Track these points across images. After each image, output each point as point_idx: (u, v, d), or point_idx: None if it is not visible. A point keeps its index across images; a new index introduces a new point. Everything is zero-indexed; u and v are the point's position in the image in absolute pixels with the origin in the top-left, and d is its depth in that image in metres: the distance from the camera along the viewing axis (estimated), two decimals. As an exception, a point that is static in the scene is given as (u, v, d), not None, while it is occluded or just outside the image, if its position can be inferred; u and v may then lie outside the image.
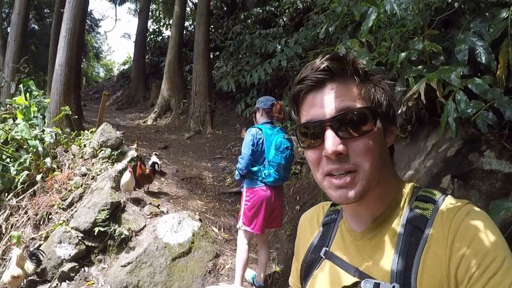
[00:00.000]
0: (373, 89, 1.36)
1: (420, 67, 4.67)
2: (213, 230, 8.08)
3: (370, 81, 1.37)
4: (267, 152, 5.87)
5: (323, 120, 1.31)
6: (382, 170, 1.33)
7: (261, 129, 5.98)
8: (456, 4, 4.36)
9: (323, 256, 1.55)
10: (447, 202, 1.29)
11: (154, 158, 10.05)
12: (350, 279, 1.37)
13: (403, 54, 4.67)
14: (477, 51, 3.95)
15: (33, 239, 7.20)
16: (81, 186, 7.91)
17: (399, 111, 4.85)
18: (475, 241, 1.14)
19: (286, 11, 16.78)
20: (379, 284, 1.25)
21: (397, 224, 1.33)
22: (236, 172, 6.17)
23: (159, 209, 7.99)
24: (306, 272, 1.64)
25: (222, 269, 6.88)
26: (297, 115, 1.46)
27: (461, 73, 3.96)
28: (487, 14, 4.10)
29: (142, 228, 7.14)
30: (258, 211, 5.91)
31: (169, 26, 30.70)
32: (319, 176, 1.38)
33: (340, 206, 1.62)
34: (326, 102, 1.32)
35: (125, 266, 6.40)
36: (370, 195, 1.33)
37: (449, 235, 1.19)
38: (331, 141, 1.27)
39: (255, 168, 5.92)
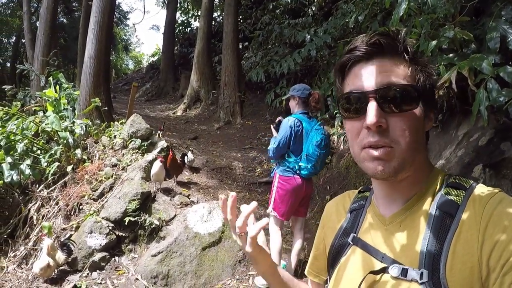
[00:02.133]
0: (419, 71, 1.35)
1: (451, 55, 4.61)
2: (243, 220, 8.08)
3: (417, 62, 1.36)
4: (306, 146, 5.79)
5: (367, 91, 1.31)
6: (417, 153, 1.33)
7: (300, 121, 5.86)
8: (487, -9, 4.31)
9: (351, 242, 1.55)
10: (479, 190, 1.27)
11: (190, 155, 10.05)
12: (378, 265, 1.37)
13: (433, 42, 4.62)
14: (509, 39, 3.90)
15: (64, 229, 7.27)
16: (112, 176, 7.97)
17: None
18: (509, 228, 1.11)
19: (315, 0, 16.68)
20: (407, 269, 1.25)
21: (427, 210, 1.32)
22: (268, 149, 6.12)
23: (189, 199, 8.03)
24: (334, 259, 1.63)
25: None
26: (341, 85, 1.47)
27: (493, 61, 3.90)
28: (518, 1, 4.05)
29: (173, 218, 7.18)
30: (288, 200, 5.88)
31: (197, 17, 30.67)
32: (356, 148, 1.38)
33: (369, 193, 1.62)
34: (372, 75, 1.33)
35: (155, 255, 6.43)
36: (404, 177, 1.34)
37: (481, 221, 1.17)
38: (374, 112, 1.26)
39: (291, 159, 5.86)
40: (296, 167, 5.82)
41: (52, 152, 8.40)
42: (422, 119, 1.34)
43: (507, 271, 1.06)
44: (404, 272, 1.25)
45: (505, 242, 1.09)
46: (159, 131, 10.40)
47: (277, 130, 6.25)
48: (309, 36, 13.91)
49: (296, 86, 6.16)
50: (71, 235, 6.94)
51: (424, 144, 1.40)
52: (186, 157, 9.72)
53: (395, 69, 1.32)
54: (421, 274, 1.20)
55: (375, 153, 1.29)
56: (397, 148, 1.28)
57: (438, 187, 1.36)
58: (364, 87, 1.32)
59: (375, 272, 1.35)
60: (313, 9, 16.64)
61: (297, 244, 6.28)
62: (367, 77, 1.33)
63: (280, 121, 6.25)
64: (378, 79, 1.30)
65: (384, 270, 1.33)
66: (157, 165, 7.66)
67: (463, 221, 1.21)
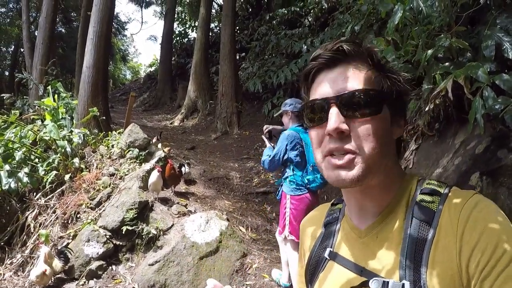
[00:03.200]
0: (385, 77, 1.35)
1: (447, 64, 4.64)
2: (240, 230, 8.11)
3: (382, 69, 1.36)
4: (311, 157, 5.61)
5: (329, 97, 1.32)
6: (384, 159, 1.32)
7: (297, 133, 5.75)
8: (482, 0, 4.33)
9: (328, 257, 1.53)
10: (454, 194, 1.27)
11: (185, 168, 10.03)
12: (357, 279, 1.35)
13: (429, 52, 4.65)
14: (504, 47, 3.92)
15: (61, 237, 7.29)
16: (109, 185, 8.00)
17: (427, 109, 4.83)
18: (485, 233, 1.11)
19: (311, 11, 16.73)
20: (388, 282, 1.23)
21: (403, 219, 1.31)
22: (263, 160, 6.07)
23: (186, 208, 8.04)
24: (312, 275, 1.62)
25: (249, 268, 6.88)
26: (306, 94, 1.47)
27: (488, 69, 3.93)
28: (513, 9, 4.08)
29: (170, 227, 7.18)
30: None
31: (195, 28, 30.85)
32: (318, 157, 1.38)
33: (342, 205, 1.62)
34: (335, 81, 1.33)
35: (152, 264, 6.44)
36: (372, 184, 1.33)
37: (458, 227, 1.16)
38: (334, 118, 1.27)
39: (297, 174, 5.70)
40: (305, 182, 5.66)
41: (50, 160, 8.40)
42: (387, 124, 1.35)
43: (485, 276, 1.06)
44: (385, 286, 1.23)
45: (482, 247, 1.09)
46: (154, 139, 10.41)
47: (268, 139, 6.28)
48: (305, 47, 14.04)
49: (288, 100, 6.12)
50: (68, 243, 6.96)
51: (394, 151, 1.41)
52: (183, 167, 9.72)
53: (359, 75, 1.33)
54: (402, 286, 1.19)
55: (337, 161, 1.29)
56: (360, 153, 1.27)
57: (412, 194, 1.35)
58: (326, 94, 1.33)
59: (356, 287, 1.33)
60: (310, 20, 16.70)
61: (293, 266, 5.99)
62: (329, 84, 1.34)
63: (269, 131, 6.29)
64: (340, 85, 1.32)
65: (364, 285, 1.31)
66: (154, 174, 7.67)
67: (439, 228, 1.21)
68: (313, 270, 1.60)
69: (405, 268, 1.21)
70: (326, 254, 1.53)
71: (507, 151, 4.31)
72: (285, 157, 5.69)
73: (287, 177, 5.82)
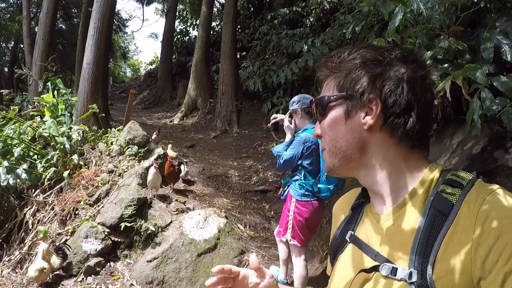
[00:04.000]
0: (342, 78, 1.44)
1: (445, 65, 4.65)
2: (238, 227, 8.12)
3: (341, 70, 1.45)
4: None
5: None
6: (353, 151, 1.43)
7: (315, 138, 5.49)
8: (482, 3, 4.35)
9: (348, 240, 1.57)
10: (476, 188, 1.24)
11: (183, 167, 9.98)
12: (371, 263, 1.38)
13: (428, 53, 4.66)
14: (503, 49, 3.94)
15: (59, 234, 7.29)
16: (108, 182, 7.98)
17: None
18: (507, 231, 1.09)
19: (313, 11, 16.76)
20: (397, 268, 1.26)
21: (421, 208, 1.30)
22: (275, 155, 5.74)
23: (185, 205, 8.03)
24: (334, 256, 1.66)
25: (247, 265, 6.82)
26: None
27: (487, 71, 3.95)
28: (512, 12, 4.10)
29: (168, 224, 7.19)
30: (308, 226, 5.60)
31: (196, 26, 30.69)
32: None
33: None
34: None
35: (150, 261, 6.45)
36: (369, 175, 1.45)
37: (476, 223, 1.14)
38: (315, 125, 1.60)
39: (310, 182, 5.45)
40: (316, 190, 5.45)
41: (49, 157, 8.41)
42: (342, 119, 1.44)
43: (505, 278, 1.05)
44: (394, 271, 1.26)
45: (501, 246, 1.07)
46: (154, 135, 10.40)
47: (275, 130, 6.18)
48: (306, 47, 14.02)
49: (295, 98, 5.79)
50: (66, 240, 6.95)
51: (358, 139, 1.42)
52: (182, 165, 9.71)
53: (327, 85, 1.52)
54: (410, 274, 1.21)
55: None
56: (326, 148, 1.52)
57: (434, 184, 1.34)
58: None
59: (367, 271, 1.36)
60: (311, 20, 16.73)
61: (297, 271, 5.84)
62: None
63: (275, 118, 6.02)
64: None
65: (375, 269, 1.34)
66: (152, 171, 7.68)
67: (457, 221, 1.19)
68: (335, 251, 1.66)
69: (415, 257, 1.23)
70: (347, 237, 1.59)
71: (504, 152, 4.33)
72: (299, 162, 5.49)
73: (296, 180, 5.62)
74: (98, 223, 6.93)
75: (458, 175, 1.32)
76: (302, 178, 5.51)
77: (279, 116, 6.13)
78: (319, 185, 5.40)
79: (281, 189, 6.47)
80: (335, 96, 1.44)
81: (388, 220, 1.40)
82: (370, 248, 1.42)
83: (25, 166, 7.99)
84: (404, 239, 1.30)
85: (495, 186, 1.23)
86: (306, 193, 5.48)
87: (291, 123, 5.79)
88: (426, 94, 1.40)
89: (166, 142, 12.75)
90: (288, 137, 5.82)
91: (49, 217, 7.68)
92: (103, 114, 11.42)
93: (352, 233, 1.57)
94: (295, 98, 5.73)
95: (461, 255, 1.14)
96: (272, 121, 6.09)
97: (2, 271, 7.09)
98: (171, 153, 9.80)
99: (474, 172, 4.44)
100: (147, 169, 8.08)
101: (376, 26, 8.18)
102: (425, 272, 1.18)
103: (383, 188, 1.43)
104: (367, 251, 1.43)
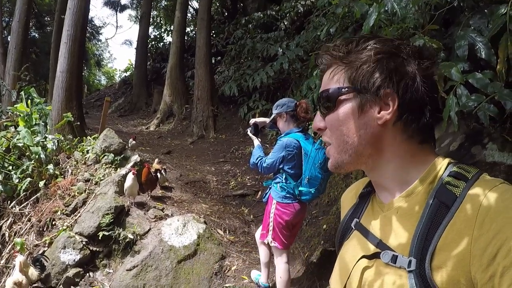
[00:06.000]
0: (354, 70, 1.40)
1: (421, 64, 4.67)
2: (218, 232, 8.10)
3: (351, 62, 1.41)
4: (308, 169, 5.33)
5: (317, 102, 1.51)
6: (363, 147, 1.40)
7: (298, 141, 5.39)
8: (455, 2, 4.37)
9: (353, 227, 1.61)
10: (480, 181, 1.27)
11: (163, 173, 9.91)
12: (372, 250, 1.41)
13: (403, 52, 4.67)
14: (477, 47, 3.96)
15: (37, 245, 7.23)
16: (85, 191, 7.94)
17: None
18: (506, 225, 1.09)
19: (287, 15, 16.79)
20: (397, 256, 1.28)
21: (425, 199, 1.32)
22: (254, 162, 5.69)
23: (163, 212, 7.99)
24: (340, 243, 1.70)
25: (228, 270, 6.90)
26: None
27: (462, 69, 3.96)
28: (486, 10, 4.12)
29: (147, 232, 7.15)
30: (288, 228, 5.59)
31: (170, 32, 30.79)
32: None
33: None
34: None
35: (130, 270, 6.42)
36: (378, 169, 1.45)
37: (478, 215, 1.16)
38: (316, 117, 1.53)
39: (291, 184, 5.42)
40: (297, 193, 5.41)
41: (24, 167, 8.33)
42: (355, 113, 1.40)
43: (504, 271, 1.05)
44: (394, 259, 1.29)
45: (501, 240, 1.08)
46: (131, 140, 10.34)
47: (255, 134, 6.01)
48: (281, 50, 14.08)
49: (279, 102, 5.69)
50: (44, 251, 6.89)
51: (387, 135, 1.40)
52: (159, 172, 9.66)
53: (332, 77, 1.45)
54: (409, 262, 1.23)
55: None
56: (332, 144, 1.47)
57: (440, 175, 1.36)
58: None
59: (368, 257, 1.40)
60: (285, 23, 16.77)
61: (279, 274, 5.79)
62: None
63: (255, 124, 6.00)
64: (320, 90, 1.49)
65: (376, 256, 1.37)
66: (130, 178, 7.65)
67: (459, 213, 1.21)
68: (341, 238, 1.71)
69: (416, 246, 1.24)
70: (352, 224, 1.63)
71: (481, 147, 4.37)
72: (281, 166, 5.47)
73: (278, 182, 5.61)
74: (76, 233, 6.86)
75: (464, 168, 1.34)
76: (284, 180, 5.49)
77: (259, 119, 6.15)
78: (300, 188, 5.38)
79: (262, 192, 6.46)
80: (347, 89, 1.40)
81: (392, 209, 1.43)
82: (373, 236, 1.46)
83: (0, 177, 7.90)
84: (406, 228, 1.33)
85: (499, 181, 1.25)
86: (287, 195, 5.47)
87: (252, 133, 6.01)
88: (435, 89, 1.43)
89: (142, 149, 12.73)
90: (256, 142, 5.94)
91: (26, 229, 7.60)
92: (78, 123, 11.40)
93: (358, 220, 1.61)
94: (279, 102, 5.67)
95: (461, 246, 1.16)
96: (252, 124, 6.06)
97: (-21, 284, 7.00)
98: (156, 166, 9.75)
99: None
100: (124, 176, 8.04)
101: (351, 27, 8.21)
102: (424, 261, 1.20)
103: (389, 181, 1.45)
104: (370, 238, 1.46)
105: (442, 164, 1.38)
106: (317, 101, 1.51)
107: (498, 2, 3.99)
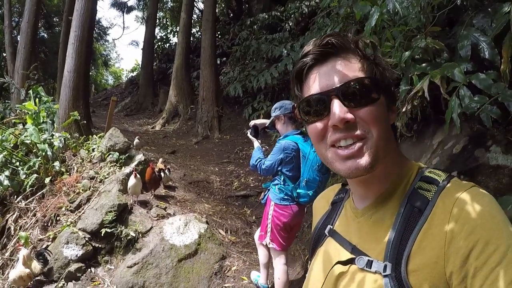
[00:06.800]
0: (374, 64, 1.38)
1: (424, 65, 4.65)
2: (219, 233, 8.09)
3: (370, 58, 1.38)
4: (306, 171, 5.35)
5: (328, 91, 1.33)
6: (388, 144, 1.36)
7: (296, 143, 5.40)
8: (458, 1, 4.36)
9: (327, 234, 1.60)
10: (452, 185, 1.28)
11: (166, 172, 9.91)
12: (346, 256, 1.39)
13: (406, 53, 4.66)
14: (480, 46, 3.95)
15: (40, 240, 7.29)
16: (89, 189, 8.01)
17: (404, 110, 4.84)
18: (478, 227, 1.12)
19: (292, 16, 16.76)
20: (372, 261, 1.28)
21: (398, 204, 1.33)
22: (254, 164, 5.78)
23: (166, 211, 8.01)
24: (313, 250, 1.70)
25: (228, 271, 6.91)
26: (300, 92, 1.48)
27: (465, 69, 3.95)
28: (489, 9, 4.10)
29: (149, 230, 7.18)
30: (286, 230, 5.60)
31: (176, 33, 30.79)
32: (322, 149, 1.40)
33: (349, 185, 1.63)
34: (331, 74, 1.35)
35: (131, 267, 6.44)
36: (379, 169, 1.34)
37: (450, 219, 1.17)
38: (339, 108, 1.28)
39: (289, 187, 5.44)
40: (295, 195, 5.42)
41: (31, 164, 8.43)
42: (385, 109, 1.37)
43: (475, 273, 1.08)
44: (369, 264, 1.29)
45: (473, 241, 1.10)
46: (136, 139, 10.36)
47: (255, 136, 6.02)
48: (286, 51, 14.11)
49: (276, 104, 5.70)
50: (47, 246, 6.94)
51: (392, 135, 1.42)
52: (163, 172, 9.66)
53: (351, 66, 1.35)
54: (385, 266, 1.24)
55: (344, 152, 1.31)
56: (369, 137, 1.29)
57: (412, 180, 1.37)
58: (324, 88, 1.35)
59: (343, 263, 1.38)
60: (290, 24, 16.74)
61: (277, 276, 5.82)
62: (325, 77, 1.36)
63: (255, 126, 6.02)
64: (337, 78, 1.33)
65: (351, 261, 1.36)
66: (133, 178, 7.67)
67: (431, 217, 1.22)
68: (314, 245, 1.70)
69: (390, 250, 1.25)
70: (326, 231, 1.62)
71: (484, 150, 4.33)
72: (279, 168, 5.47)
73: (276, 184, 5.63)
74: (79, 229, 6.92)
75: (434, 172, 1.37)
76: (282, 183, 5.52)
77: (259, 121, 6.18)
78: (298, 190, 5.39)
79: (262, 193, 6.47)
80: (383, 84, 1.37)
81: (366, 215, 1.43)
82: (348, 242, 1.45)
83: (7, 172, 8.05)
84: (380, 233, 1.33)
85: (470, 184, 1.27)
86: (285, 197, 5.49)
87: (252, 135, 6.02)
88: None
89: (148, 149, 12.74)
90: (256, 144, 5.96)
91: (31, 223, 7.68)
92: (85, 121, 11.46)
93: (331, 227, 1.60)
94: (277, 104, 5.67)
95: (435, 249, 1.17)
96: (251, 126, 6.08)
97: (-16, 276, 7.06)
98: (160, 165, 9.75)
99: (455, 171, 4.44)
100: (128, 175, 8.07)
101: (354, 28, 8.21)
102: (400, 265, 1.21)
103: (376, 185, 1.42)
104: (345, 244, 1.46)
105: (413, 169, 1.41)
106: (343, 90, 1.30)
107: (501, 0, 3.98)
